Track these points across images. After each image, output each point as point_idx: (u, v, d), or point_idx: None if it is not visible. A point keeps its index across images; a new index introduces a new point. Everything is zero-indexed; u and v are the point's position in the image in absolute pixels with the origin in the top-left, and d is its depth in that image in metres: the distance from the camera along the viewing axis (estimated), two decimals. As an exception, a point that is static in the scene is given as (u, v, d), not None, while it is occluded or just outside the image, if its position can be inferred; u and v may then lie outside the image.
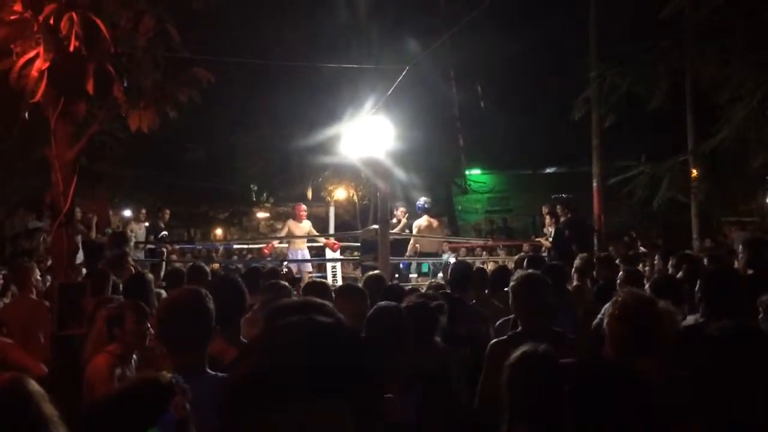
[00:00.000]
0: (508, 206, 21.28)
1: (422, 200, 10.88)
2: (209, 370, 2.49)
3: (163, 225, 11.47)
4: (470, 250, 14.35)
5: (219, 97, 11.15)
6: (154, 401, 1.97)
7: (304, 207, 11.28)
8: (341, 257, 11.74)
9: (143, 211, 12.09)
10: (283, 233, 11.36)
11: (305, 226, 11.02)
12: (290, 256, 10.94)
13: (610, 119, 10.54)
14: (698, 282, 3.71)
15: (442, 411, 3.10)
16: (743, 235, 11.15)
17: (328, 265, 11.33)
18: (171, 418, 2.01)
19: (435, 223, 10.66)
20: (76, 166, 4.79)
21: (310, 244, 11.54)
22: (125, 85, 4.82)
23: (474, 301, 5.42)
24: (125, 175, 14.05)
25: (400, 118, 9.43)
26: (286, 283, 4.39)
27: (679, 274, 5.26)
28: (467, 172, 21.37)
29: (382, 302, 3.32)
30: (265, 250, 11.74)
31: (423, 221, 10.41)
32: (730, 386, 2.07)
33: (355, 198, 17.31)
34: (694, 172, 10.97)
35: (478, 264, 11.36)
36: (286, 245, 11.33)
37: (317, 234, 11.57)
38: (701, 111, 10.82)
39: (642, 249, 10.65)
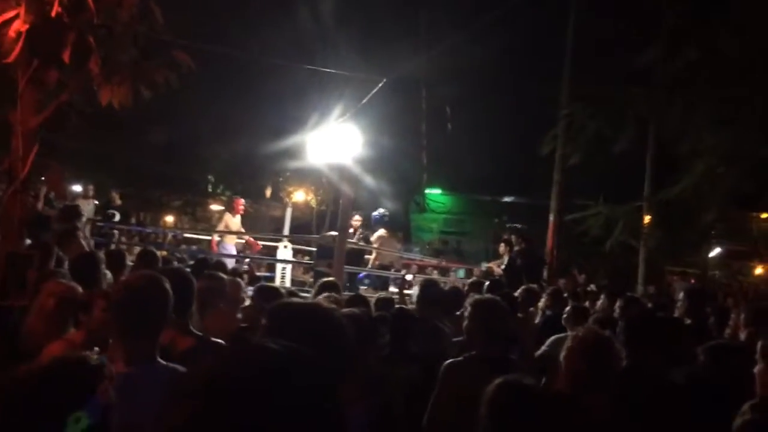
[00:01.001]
0: (463, 229, 21.48)
1: (380, 212, 10.91)
2: (160, 360, 2.42)
3: (115, 207, 11.21)
4: (422, 269, 14.41)
5: (189, 84, 10.97)
6: (82, 382, 1.89)
7: (242, 201, 11.24)
8: (293, 260, 11.61)
9: (91, 187, 11.75)
10: (221, 226, 11.24)
11: (238, 221, 10.97)
12: (222, 251, 10.78)
13: (576, 158, 10.79)
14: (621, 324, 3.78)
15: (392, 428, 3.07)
16: (684, 285, 11.55)
17: (278, 267, 11.19)
18: (98, 401, 1.93)
19: (391, 236, 10.72)
20: (37, 134, 4.63)
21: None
22: (102, 57, 4.69)
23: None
24: (81, 149, 13.66)
25: (367, 128, 9.44)
26: (223, 276, 4.31)
27: (625, 315, 5.39)
28: (427, 191, 21.53)
29: (346, 308, 3.30)
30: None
31: (383, 233, 10.43)
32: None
33: (313, 203, 17.23)
34: (647, 219, 11.31)
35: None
36: (219, 239, 11.24)
37: (243, 231, 11.49)
38: (661, 160, 11.18)
39: (591, 287, 10.90)
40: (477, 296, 3.93)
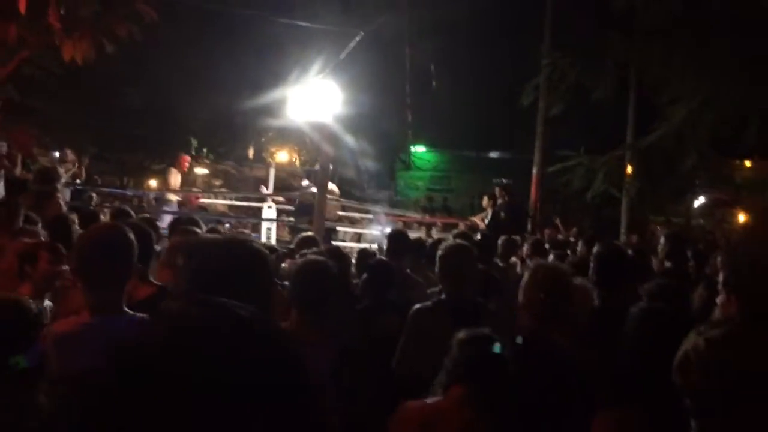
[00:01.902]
0: (449, 186, 21.43)
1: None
2: (127, 310, 2.41)
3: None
4: (407, 225, 14.40)
5: (161, 43, 10.75)
6: (21, 328, 1.87)
7: (188, 158, 11.33)
8: (275, 218, 11.58)
9: (69, 151, 11.61)
10: (172, 182, 11.26)
11: (178, 177, 11.11)
12: (165, 207, 10.79)
13: (557, 108, 10.73)
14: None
15: (358, 371, 3.10)
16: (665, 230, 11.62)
17: (263, 226, 11.18)
18: (37, 348, 1.91)
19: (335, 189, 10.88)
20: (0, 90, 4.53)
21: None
22: (62, 12, 4.55)
23: (409, 270, 5.47)
24: (57, 115, 13.42)
25: (349, 84, 9.31)
26: (197, 230, 4.32)
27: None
28: (412, 148, 21.39)
29: (311, 256, 3.30)
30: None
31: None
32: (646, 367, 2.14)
33: (297, 162, 17.10)
34: (629, 168, 11.32)
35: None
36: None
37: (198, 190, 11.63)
38: (643, 108, 11.13)
39: (572, 238, 10.95)
40: (444, 243, 3.94)
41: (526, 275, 2.88)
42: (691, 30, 8.54)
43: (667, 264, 5.41)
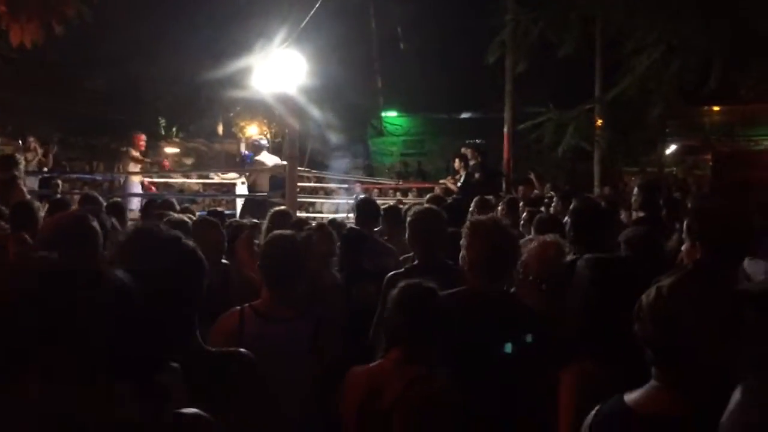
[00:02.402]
0: (422, 149, 21.37)
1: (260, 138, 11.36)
2: None
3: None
4: (383, 192, 14.42)
5: (118, 22, 10.47)
6: None
7: (143, 137, 11.25)
8: (249, 194, 11.46)
9: (32, 139, 11.37)
10: (129, 165, 11.14)
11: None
12: (131, 190, 10.65)
13: (523, 65, 10.68)
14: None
15: (335, 340, 3.10)
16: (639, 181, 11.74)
17: (238, 203, 11.07)
18: None
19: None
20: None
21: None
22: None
23: (386, 238, 5.46)
24: (18, 103, 13.09)
25: (314, 54, 9.15)
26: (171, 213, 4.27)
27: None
28: (383, 114, 21.26)
29: (278, 230, 3.28)
30: None
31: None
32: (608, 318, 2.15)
33: (268, 135, 16.93)
34: (599, 121, 11.35)
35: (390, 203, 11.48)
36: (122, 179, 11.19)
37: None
38: (609, 61, 11.13)
39: (550, 193, 11.02)
40: (414, 208, 3.93)
41: (465, 233, 2.84)
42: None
43: (641, 214, 5.47)
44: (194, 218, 4.78)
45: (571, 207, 3.99)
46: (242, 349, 2.05)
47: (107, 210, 5.46)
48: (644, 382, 1.61)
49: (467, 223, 2.92)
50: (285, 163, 8.28)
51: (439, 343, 2.39)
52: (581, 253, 3.55)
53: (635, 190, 5.83)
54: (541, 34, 9.63)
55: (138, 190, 10.77)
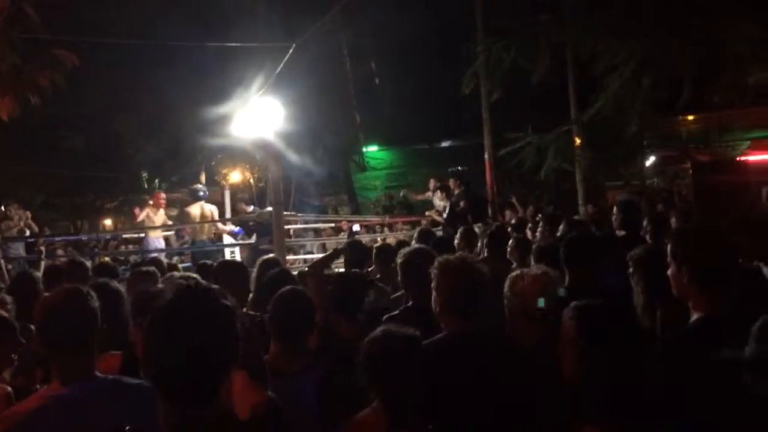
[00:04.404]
0: (406, 181, 21.43)
1: (200, 187, 11.27)
2: (99, 374, 2.32)
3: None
4: (370, 228, 14.41)
5: (93, 80, 10.52)
6: None
7: (163, 195, 11.26)
8: (239, 242, 11.43)
9: (13, 207, 11.30)
10: (145, 222, 11.16)
11: (162, 214, 11.01)
12: (148, 246, 10.69)
13: (498, 93, 10.83)
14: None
15: (343, 392, 3.05)
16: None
17: (227, 252, 11.03)
18: None
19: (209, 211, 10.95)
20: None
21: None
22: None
23: (378, 276, 5.43)
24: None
25: (292, 98, 9.25)
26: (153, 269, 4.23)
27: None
28: (364, 149, 21.40)
29: (289, 286, 3.27)
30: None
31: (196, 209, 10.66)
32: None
33: (252, 180, 16.95)
34: (578, 141, 11.50)
35: (379, 240, 11.49)
36: (142, 235, 11.16)
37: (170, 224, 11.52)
38: (582, 82, 11.33)
39: (538, 216, 11.09)
40: (404, 249, 3.92)
41: (434, 275, 2.81)
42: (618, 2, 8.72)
43: (622, 233, 5.48)
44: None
45: (564, 236, 4.02)
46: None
47: (95, 272, 5.44)
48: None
49: (435, 264, 2.87)
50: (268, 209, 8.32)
51: (422, 396, 2.34)
52: (574, 285, 3.59)
53: (614, 208, 5.84)
54: (513, 62, 9.79)
55: (160, 244, 10.78)
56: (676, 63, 7.96)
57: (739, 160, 11.70)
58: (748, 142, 18.69)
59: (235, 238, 10.66)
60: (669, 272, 2.55)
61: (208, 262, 6.48)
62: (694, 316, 2.36)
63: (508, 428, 2.40)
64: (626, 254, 3.81)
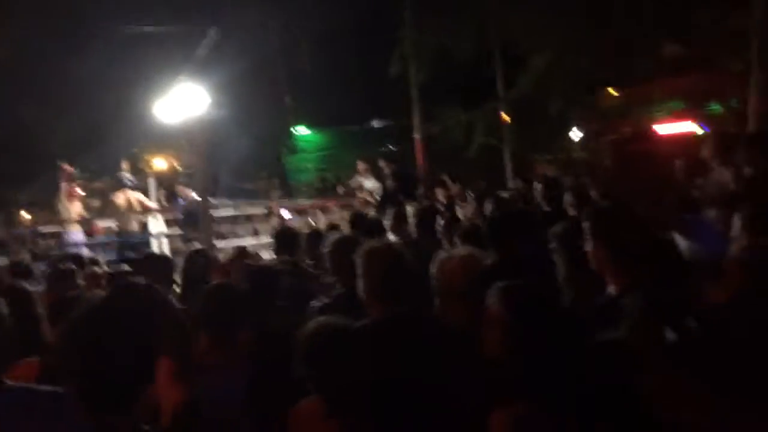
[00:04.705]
0: (337, 163, 21.21)
1: (126, 176, 11.04)
2: (9, 382, 2.20)
3: None
4: (302, 211, 14.26)
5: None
6: None
7: (77, 188, 10.70)
8: (167, 232, 11.13)
9: None
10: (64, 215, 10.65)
11: (78, 206, 10.49)
12: (68, 239, 10.19)
13: (425, 72, 10.90)
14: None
15: (275, 385, 3.02)
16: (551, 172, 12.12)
17: (153, 242, 10.71)
18: None
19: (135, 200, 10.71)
20: None
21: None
22: None
23: (311, 262, 5.39)
24: None
25: (219, 82, 9.02)
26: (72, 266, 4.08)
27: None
28: (295, 132, 21.10)
29: (215, 281, 3.21)
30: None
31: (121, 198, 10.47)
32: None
33: (178, 167, 16.48)
34: (506, 118, 11.72)
35: (312, 224, 11.42)
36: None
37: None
38: (508, 61, 11.51)
39: (470, 193, 11.24)
40: (331, 237, 3.90)
41: (359, 262, 2.82)
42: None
43: (547, 208, 5.63)
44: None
45: (486, 214, 4.09)
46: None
47: (9, 272, 5.18)
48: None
49: (360, 251, 2.86)
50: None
51: (358, 385, 2.35)
52: (498, 264, 3.65)
53: (538, 186, 5.99)
54: (439, 43, 9.85)
55: (79, 238, 10.10)
56: (596, 42, 8.19)
57: (654, 132, 12.16)
58: (667, 113, 19.45)
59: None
60: (587, 248, 2.63)
61: (134, 255, 6.30)
62: (610, 289, 2.45)
63: (435, 410, 2.42)
64: (550, 229, 3.93)
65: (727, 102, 10.77)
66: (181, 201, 10.69)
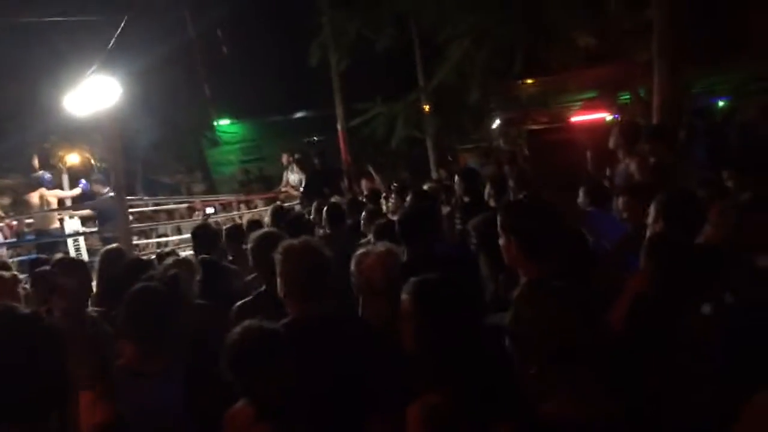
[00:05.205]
0: (261, 155, 20.93)
1: (42, 173, 10.81)
2: None
3: None
4: (227, 206, 14.02)
5: None
6: None
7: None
8: (83, 230, 10.69)
9: None
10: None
11: None
12: None
13: (345, 62, 10.87)
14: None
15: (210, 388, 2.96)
16: (476, 162, 12.38)
17: (69, 242, 10.26)
18: None
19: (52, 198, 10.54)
20: None
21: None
22: None
23: (232, 258, 5.31)
24: None
25: (133, 73, 8.71)
26: None
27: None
28: (216, 123, 20.62)
29: (141, 284, 3.07)
30: None
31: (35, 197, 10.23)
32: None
33: (93, 161, 15.84)
34: (426, 108, 11.83)
35: (236, 219, 11.23)
36: None
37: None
38: (428, 51, 11.62)
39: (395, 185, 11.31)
40: (253, 234, 3.86)
41: (277, 260, 2.83)
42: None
43: (466, 199, 5.75)
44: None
45: (400, 213, 4.15)
46: None
47: None
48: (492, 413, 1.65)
49: (279, 248, 2.86)
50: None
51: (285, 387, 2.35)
52: (412, 259, 3.71)
53: (456, 178, 6.10)
54: (358, 32, 9.85)
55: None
56: (511, 32, 8.40)
57: (569, 121, 12.60)
58: (581, 103, 20.14)
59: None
60: (500, 241, 2.71)
61: (44, 256, 6.03)
62: (522, 282, 2.54)
63: (353, 407, 2.46)
64: (469, 221, 4.03)
65: (636, 92, 11.26)
66: (84, 185, 10.36)
